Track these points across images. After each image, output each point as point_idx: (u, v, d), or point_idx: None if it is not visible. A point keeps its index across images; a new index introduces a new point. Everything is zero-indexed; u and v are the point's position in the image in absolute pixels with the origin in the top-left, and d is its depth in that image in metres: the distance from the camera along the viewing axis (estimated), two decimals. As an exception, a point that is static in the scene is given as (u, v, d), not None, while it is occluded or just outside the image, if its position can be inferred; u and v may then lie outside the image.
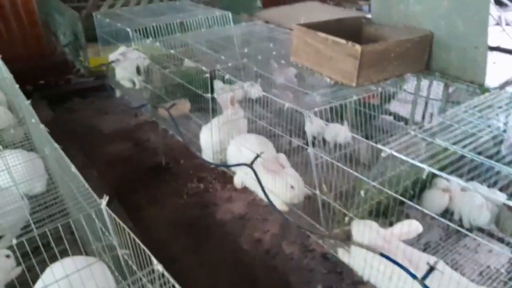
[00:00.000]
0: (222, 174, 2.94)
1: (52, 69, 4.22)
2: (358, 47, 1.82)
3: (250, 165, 1.93)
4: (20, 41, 4.13)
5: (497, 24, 5.92)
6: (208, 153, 2.32)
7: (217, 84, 2.54)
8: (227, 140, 2.23)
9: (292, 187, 1.82)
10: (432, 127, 1.53)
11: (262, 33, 2.85)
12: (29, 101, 1.90)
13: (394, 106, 2.89)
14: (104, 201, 1.03)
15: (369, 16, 2.45)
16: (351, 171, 1.55)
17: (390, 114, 2.80)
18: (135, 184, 2.97)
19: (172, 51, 2.63)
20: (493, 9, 6.12)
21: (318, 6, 3.60)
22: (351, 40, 1.88)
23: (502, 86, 1.88)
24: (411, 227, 1.41)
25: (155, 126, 3.32)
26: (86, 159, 3.21)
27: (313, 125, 2.28)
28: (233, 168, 2.20)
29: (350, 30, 2.32)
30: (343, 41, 1.89)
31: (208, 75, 2.15)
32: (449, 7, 1.93)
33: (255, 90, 2.43)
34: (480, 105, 1.67)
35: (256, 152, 1.95)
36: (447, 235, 1.77)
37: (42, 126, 1.66)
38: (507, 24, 6.17)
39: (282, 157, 1.95)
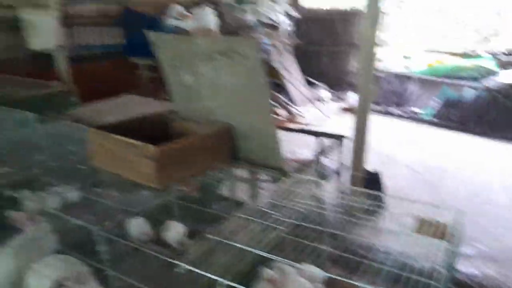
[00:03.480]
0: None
1: None
2: (153, 149, 1.73)
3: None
4: None
5: (310, 101, 6.79)
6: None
7: (22, 194, 2.18)
8: (27, 267, 1.83)
9: None
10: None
11: (68, 134, 2.59)
12: None
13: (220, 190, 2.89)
14: None
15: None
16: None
17: (224, 199, 2.77)
18: None
19: None
20: (305, 89, 7.07)
21: (135, 100, 3.54)
22: (159, 138, 1.79)
23: (298, 170, 1.99)
24: None
25: None
26: None
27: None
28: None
29: (157, 127, 2.26)
30: (138, 143, 1.78)
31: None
32: (238, 103, 2.03)
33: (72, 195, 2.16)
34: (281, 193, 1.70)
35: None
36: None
37: None
38: (320, 100, 7.11)
39: (85, 273, 1.67)
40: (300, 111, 6.30)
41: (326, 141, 2.40)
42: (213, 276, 1.24)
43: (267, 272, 1.71)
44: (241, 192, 2.55)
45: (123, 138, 1.82)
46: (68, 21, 4.69)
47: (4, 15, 4.25)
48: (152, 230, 2.18)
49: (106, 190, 2.32)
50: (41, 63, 4.51)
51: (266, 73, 1.87)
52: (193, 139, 1.89)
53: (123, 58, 5.43)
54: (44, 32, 4.28)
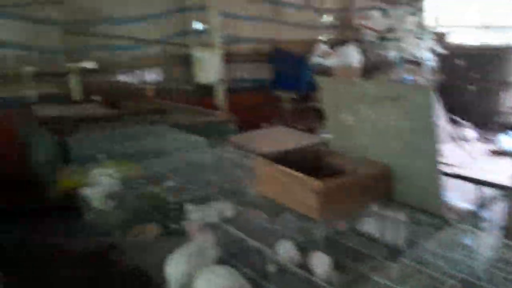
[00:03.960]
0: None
1: (27, 189, 4.21)
2: (318, 183, 1.92)
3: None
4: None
5: (453, 140, 6.39)
6: (173, 285, 2.23)
7: (187, 207, 2.59)
8: (195, 271, 2.17)
9: None
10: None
11: (232, 159, 2.98)
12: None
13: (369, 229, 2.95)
14: None
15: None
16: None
17: (365, 237, 2.83)
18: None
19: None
20: (448, 126, 6.68)
21: (286, 131, 3.85)
22: (311, 170, 1.99)
23: (462, 218, 1.97)
24: None
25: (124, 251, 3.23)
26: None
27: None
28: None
29: (312, 159, 2.47)
30: (303, 176, 2.00)
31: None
32: (401, 146, 2.11)
33: (229, 211, 2.48)
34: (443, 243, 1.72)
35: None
36: None
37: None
38: (465, 140, 6.65)
39: (247, 286, 1.89)
40: (442, 150, 5.97)
41: (487, 191, 2.31)
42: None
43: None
44: (392, 235, 2.57)
45: (287, 169, 2.05)
46: (228, 58, 5.35)
47: (181, 52, 5.07)
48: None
49: (256, 210, 2.58)
50: (203, 93, 5.23)
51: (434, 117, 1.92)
52: (356, 178, 2.04)
53: (269, 91, 5.96)
54: (209, 67, 4.97)
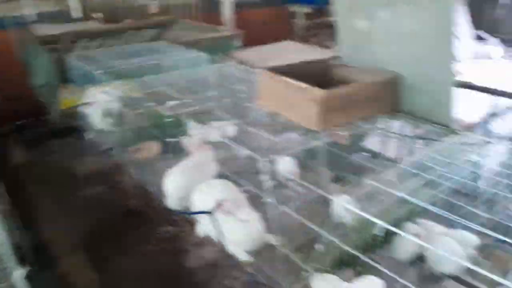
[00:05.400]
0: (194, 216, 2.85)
1: (29, 110, 4.20)
2: (319, 92, 1.78)
3: (210, 213, 1.85)
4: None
5: (475, 58, 6.00)
6: (171, 200, 2.23)
7: (190, 124, 2.51)
8: (192, 186, 2.15)
9: (246, 220, 1.72)
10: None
11: (235, 74, 2.83)
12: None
13: (371, 143, 2.85)
14: (19, 273, 0.94)
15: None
16: (308, 223, 1.47)
17: (366, 151, 2.75)
18: (105, 231, 2.87)
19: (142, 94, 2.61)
20: (471, 43, 6.23)
21: (295, 46, 3.62)
22: (320, 83, 1.84)
23: (469, 128, 1.83)
24: (371, 285, 1.33)
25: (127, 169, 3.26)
26: (55, 205, 3.13)
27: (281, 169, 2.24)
28: (197, 216, 2.11)
29: (320, 73, 2.29)
30: (304, 85, 1.85)
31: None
32: (416, 51, 1.92)
33: (231, 129, 2.40)
34: (445, 150, 1.61)
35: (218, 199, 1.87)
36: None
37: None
38: (489, 58, 6.24)
39: (241, 198, 1.87)
40: (460, 69, 5.64)
41: (503, 102, 2.13)
42: (372, 219, 1.27)
43: (413, 227, 1.67)
44: (395, 149, 2.47)
45: (291, 80, 1.90)
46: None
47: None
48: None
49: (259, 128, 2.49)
50: (208, 8, 4.92)
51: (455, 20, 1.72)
52: (358, 86, 1.88)
53: (281, 6, 5.56)
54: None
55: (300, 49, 3.46)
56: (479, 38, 6.51)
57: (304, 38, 5.04)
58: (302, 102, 1.87)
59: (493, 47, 6.40)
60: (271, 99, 2.10)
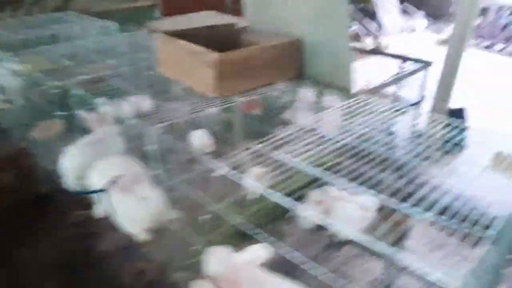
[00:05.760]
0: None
1: None
2: (213, 56, 1.67)
3: (105, 191, 1.71)
4: None
5: (402, 31, 6.19)
6: (68, 180, 2.05)
7: (98, 100, 2.32)
8: (90, 164, 1.99)
9: (146, 197, 1.62)
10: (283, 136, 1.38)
11: (141, 44, 2.64)
12: None
13: (291, 115, 2.81)
14: None
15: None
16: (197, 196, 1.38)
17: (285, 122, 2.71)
18: (12, 219, 2.62)
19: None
20: (397, 16, 6.40)
21: (214, 15, 3.47)
22: (225, 48, 1.73)
23: (362, 92, 1.80)
24: (257, 252, 1.27)
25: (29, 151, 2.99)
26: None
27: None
28: (96, 196, 1.95)
29: (226, 38, 2.18)
30: (200, 48, 1.73)
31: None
32: (313, 13, 1.85)
33: (146, 103, 2.24)
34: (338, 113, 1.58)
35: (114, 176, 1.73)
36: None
37: None
38: (413, 30, 6.45)
39: (141, 174, 1.75)
40: (387, 41, 5.78)
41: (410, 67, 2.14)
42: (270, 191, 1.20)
43: (315, 194, 1.64)
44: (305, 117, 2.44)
45: (186, 43, 1.78)
46: None
47: None
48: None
49: (174, 100, 2.35)
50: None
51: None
52: (255, 49, 1.78)
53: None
54: None
55: (218, 18, 3.31)
56: (405, 11, 6.72)
57: (236, 12, 4.87)
58: (198, 67, 1.75)
59: (418, 20, 6.64)
60: (170, 66, 1.96)
